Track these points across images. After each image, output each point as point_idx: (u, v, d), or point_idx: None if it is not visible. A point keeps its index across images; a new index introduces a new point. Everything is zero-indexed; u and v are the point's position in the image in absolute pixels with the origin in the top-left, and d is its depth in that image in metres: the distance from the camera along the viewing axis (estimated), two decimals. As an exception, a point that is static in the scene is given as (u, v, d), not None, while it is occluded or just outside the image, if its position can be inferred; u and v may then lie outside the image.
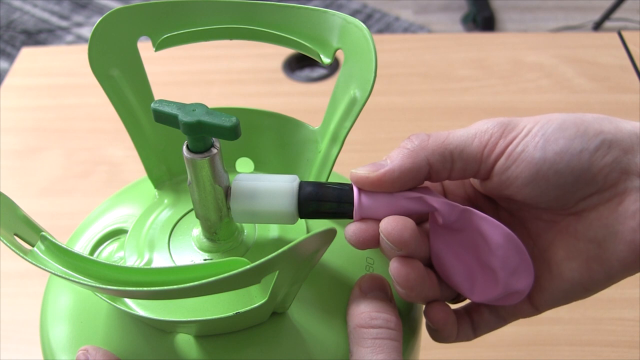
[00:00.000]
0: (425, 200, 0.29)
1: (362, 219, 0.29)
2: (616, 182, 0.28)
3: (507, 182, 0.30)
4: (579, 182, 0.29)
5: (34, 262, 0.25)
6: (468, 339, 0.33)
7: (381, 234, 0.28)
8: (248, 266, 0.23)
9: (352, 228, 0.29)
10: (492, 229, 0.29)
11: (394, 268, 0.29)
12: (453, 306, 0.33)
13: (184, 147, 0.28)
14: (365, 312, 0.29)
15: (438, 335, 0.32)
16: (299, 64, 0.81)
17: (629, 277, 0.30)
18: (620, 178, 0.28)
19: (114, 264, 0.27)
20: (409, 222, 0.28)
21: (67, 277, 0.25)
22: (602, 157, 0.28)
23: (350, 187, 0.30)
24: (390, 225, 0.28)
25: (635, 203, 0.28)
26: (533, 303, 0.32)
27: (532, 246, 0.32)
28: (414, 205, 0.29)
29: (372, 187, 0.29)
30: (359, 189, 0.29)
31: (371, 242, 0.29)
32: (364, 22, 0.34)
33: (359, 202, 0.29)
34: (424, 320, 0.33)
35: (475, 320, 0.33)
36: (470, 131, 0.30)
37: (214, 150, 0.28)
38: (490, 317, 0.33)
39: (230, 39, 0.33)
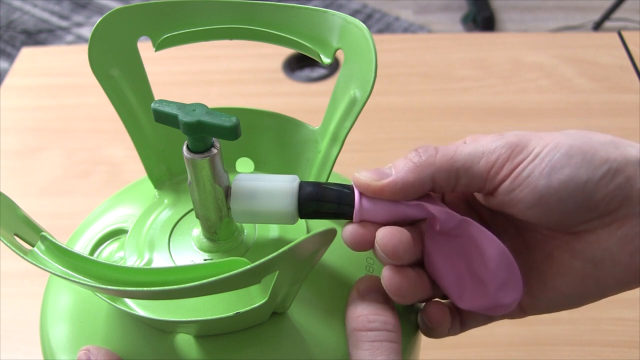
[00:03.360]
0: (424, 207, 0.29)
1: (361, 221, 0.29)
2: (617, 208, 0.29)
3: (510, 203, 0.30)
4: (581, 209, 0.29)
5: (34, 262, 0.25)
6: (455, 333, 0.33)
7: (376, 244, 0.29)
8: (248, 266, 0.23)
9: (350, 230, 0.29)
10: (488, 242, 0.30)
11: (387, 277, 0.29)
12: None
13: (184, 147, 0.28)
14: (363, 315, 0.29)
15: (431, 332, 0.32)
16: (299, 64, 0.81)
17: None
18: (621, 204, 0.28)
19: (114, 264, 0.27)
20: (404, 236, 0.28)
21: (67, 277, 0.25)
22: (606, 186, 0.28)
23: (350, 188, 0.30)
24: (386, 237, 0.28)
25: (635, 228, 0.29)
26: (522, 307, 0.32)
27: (527, 255, 0.32)
28: (413, 211, 0.29)
29: (373, 194, 0.29)
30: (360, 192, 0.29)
31: (367, 245, 0.29)
32: (364, 22, 0.34)
33: (360, 205, 0.29)
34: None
35: (464, 318, 0.33)
36: (477, 149, 0.30)
37: (214, 150, 0.28)
38: (478, 315, 0.33)
39: (230, 39, 0.33)
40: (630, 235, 0.29)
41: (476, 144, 0.30)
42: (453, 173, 0.29)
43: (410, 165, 0.29)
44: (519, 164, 0.29)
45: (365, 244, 0.29)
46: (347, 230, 0.29)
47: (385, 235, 0.28)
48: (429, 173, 0.29)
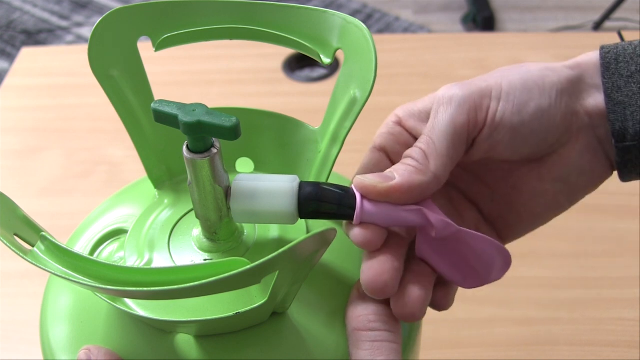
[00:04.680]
0: (423, 214, 0.29)
1: (361, 223, 0.29)
2: (570, 125, 0.31)
3: (489, 147, 0.31)
4: (548, 135, 0.31)
5: (34, 262, 0.25)
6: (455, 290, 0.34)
7: (362, 284, 0.29)
8: (248, 266, 0.23)
9: (357, 232, 0.29)
10: (480, 242, 0.30)
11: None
12: None
13: (184, 147, 0.28)
14: (363, 315, 0.29)
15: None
16: (299, 64, 0.81)
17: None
18: (572, 120, 0.31)
19: (114, 264, 0.27)
20: (388, 275, 0.28)
21: (67, 277, 0.25)
22: (559, 106, 0.31)
23: (351, 190, 0.30)
24: (372, 281, 0.28)
25: (588, 137, 0.32)
26: (502, 238, 0.34)
27: (493, 195, 0.34)
28: (412, 217, 0.29)
29: (378, 197, 0.29)
30: (362, 194, 0.29)
31: (377, 245, 0.29)
32: (364, 22, 0.34)
33: (362, 207, 0.29)
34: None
35: None
36: (446, 120, 0.31)
37: (214, 150, 0.28)
38: None
39: (230, 39, 0.33)
40: (587, 145, 0.32)
41: (435, 118, 0.31)
42: (448, 157, 0.30)
43: (411, 169, 0.29)
44: (487, 108, 0.31)
45: (375, 244, 0.29)
46: (355, 233, 0.29)
47: (370, 280, 0.28)
48: (431, 173, 0.29)
